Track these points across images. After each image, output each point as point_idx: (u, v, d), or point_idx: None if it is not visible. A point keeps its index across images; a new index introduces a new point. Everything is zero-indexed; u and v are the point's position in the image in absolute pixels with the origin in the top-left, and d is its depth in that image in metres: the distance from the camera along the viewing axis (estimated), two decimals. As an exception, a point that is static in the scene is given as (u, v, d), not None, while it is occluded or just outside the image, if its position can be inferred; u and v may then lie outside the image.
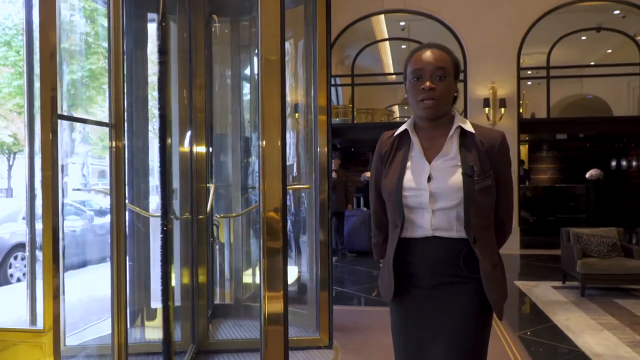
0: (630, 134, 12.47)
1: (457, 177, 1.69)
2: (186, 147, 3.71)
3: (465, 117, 9.58)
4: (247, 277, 4.77)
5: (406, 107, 15.79)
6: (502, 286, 1.77)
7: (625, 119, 10.65)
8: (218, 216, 4.48)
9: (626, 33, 9.44)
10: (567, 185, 12.77)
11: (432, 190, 1.70)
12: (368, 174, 11.97)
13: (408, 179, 1.75)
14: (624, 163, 13.33)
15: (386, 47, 11.83)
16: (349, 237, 8.99)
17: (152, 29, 4.63)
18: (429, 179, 1.72)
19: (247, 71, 4.93)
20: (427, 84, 1.69)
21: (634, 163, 12.83)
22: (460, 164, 1.71)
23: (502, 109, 9.37)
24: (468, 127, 1.76)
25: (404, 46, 11.55)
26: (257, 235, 5.03)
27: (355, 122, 10.98)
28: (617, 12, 9.48)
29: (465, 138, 1.75)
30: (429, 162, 1.75)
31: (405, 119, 15.99)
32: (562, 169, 14.49)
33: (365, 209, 9.94)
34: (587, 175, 11.82)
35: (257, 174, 5.00)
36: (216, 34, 4.07)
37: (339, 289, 6.43)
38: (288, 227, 4.47)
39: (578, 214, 12.14)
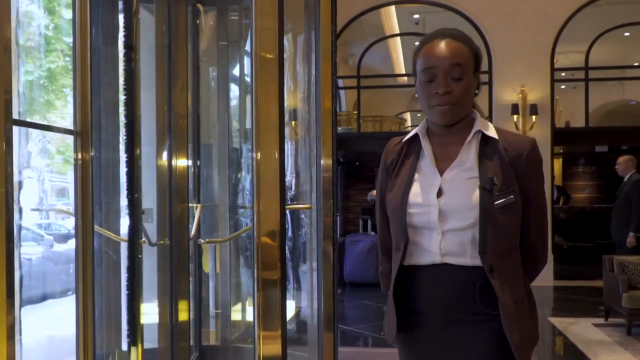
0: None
1: (473, 192, 1.62)
2: (165, 160, 3.67)
3: (490, 125, 9.59)
4: (236, 314, 4.71)
5: (419, 115, 15.82)
6: (528, 326, 1.68)
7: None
8: (202, 241, 4.43)
9: (676, 29, 9.48)
10: (606, 206, 12.71)
11: (441, 207, 1.64)
12: (375, 192, 11.93)
13: (415, 193, 1.69)
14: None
15: (397, 44, 11.88)
16: (353, 267, 8.93)
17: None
18: (439, 193, 1.66)
19: (237, 71, 4.91)
20: (442, 89, 1.63)
21: (686, 180, 12.80)
22: (477, 175, 1.64)
23: (534, 117, 9.34)
24: (490, 132, 1.70)
25: (417, 43, 11.60)
26: (248, 264, 4.98)
27: (361, 131, 10.94)
28: (665, 4, 9.54)
29: (486, 145, 1.68)
30: (441, 173, 1.68)
31: (418, 127, 16.17)
32: (602, 186, 14.47)
33: (373, 233, 9.88)
34: (632, 193, 11.79)
35: (248, 192, 4.96)
36: (202, 27, 4.06)
37: (342, 327, 6.36)
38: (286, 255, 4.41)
39: (620, 240, 12.10)
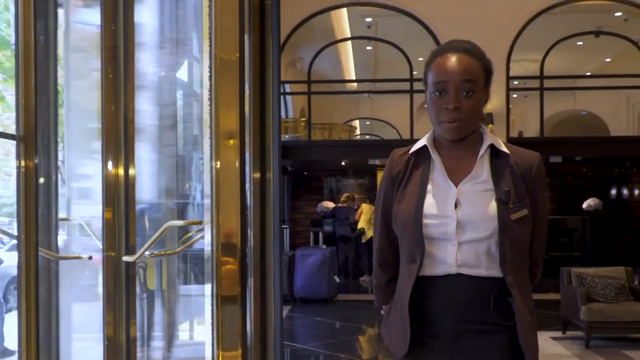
0: (632, 157, 12.96)
1: (491, 204, 1.71)
2: (112, 168, 3.60)
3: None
4: (184, 333, 4.64)
5: (368, 122, 15.95)
6: (537, 339, 1.78)
7: (628, 140, 11.07)
8: (148, 254, 4.34)
9: (629, 38, 9.87)
10: (558, 217, 13.13)
11: (460, 219, 1.71)
12: (326, 203, 11.96)
13: (430, 204, 1.75)
14: (625, 191, 13.85)
15: (347, 48, 11.97)
16: (304, 282, 8.90)
17: (61, 16, 4.49)
18: (456, 205, 1.73)
19: (185, 73, 4.86)
20: (452, 105, 1.70)
21: (637, 191, 13.34)
22: (493, 188, 1.73)
23: (489, 126, 9.57)
24: (502, 146, 1.79)
25: (369, 47, 11.71)
26: (198, 279, 4.91)
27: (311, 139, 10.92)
28: (618, 14, 9.93)
29: (497, 159, 1.78)
30: (455, 185, 1.76)
31: (367, 136, 16.25)
32: (555, 197, 14.92)
33: (325, 246, 9.89)
34: (585, 205, 12.20)
35: (200, 203, 4.90)
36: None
37: (293, 346, 6.34)
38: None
39: (571, 252, 12.49)
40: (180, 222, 3.50)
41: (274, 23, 4.16)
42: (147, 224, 4.40)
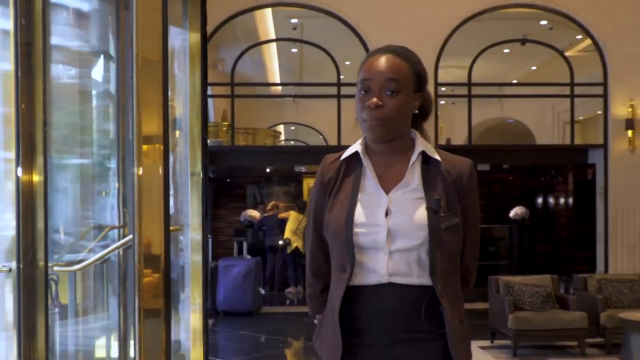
0: (558, 166, 13.52)
1: (421, 213, 1.74)
2: (28, 173, 3.49)
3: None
4: (100, 349, 4.55)
5: (293, 128, 15.97)
6: (469, 347, 1.84)
7: (554, 148, 11.54)
8: (56, 267, 4.22)
9: (554, 47, 10.30)
10: (486, 226, 13.55)
11: (390, 227, 1.74)
12: (250, 212, 11.88)
13: (360, 212, 1.78)
14: (550, 200, 14.43)
15: (271, 50, 11.95)
16: (228, 294, 8.82)
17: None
18: (387, 213, 1.76)
19: (100, 72, 4.78)
20: (374, 100, 1.73)
21: (562, 200, 13.92)
22: (424, 196, 1.76)
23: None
24: (434, 152, 1.83)
25: (294, 49, 11.74)
26: (115, 291, 4.82)
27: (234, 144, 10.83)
28: (544, 22, 10.34)
29: (428, 166, 1.82)
30: (386, 193, 1.79)
31: (292, 142, 16.26)
32: (482, 206, 15.13)
33: (249, 257, 9.83)
34: (512, 213, 12.61)
35: (117, 211, 4.82)
36: (70, 23, 3.93)
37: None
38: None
39: (499, 260, 12.90)
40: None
41: (201, 21, 4.15)
42: (62, 232, 4.31)
